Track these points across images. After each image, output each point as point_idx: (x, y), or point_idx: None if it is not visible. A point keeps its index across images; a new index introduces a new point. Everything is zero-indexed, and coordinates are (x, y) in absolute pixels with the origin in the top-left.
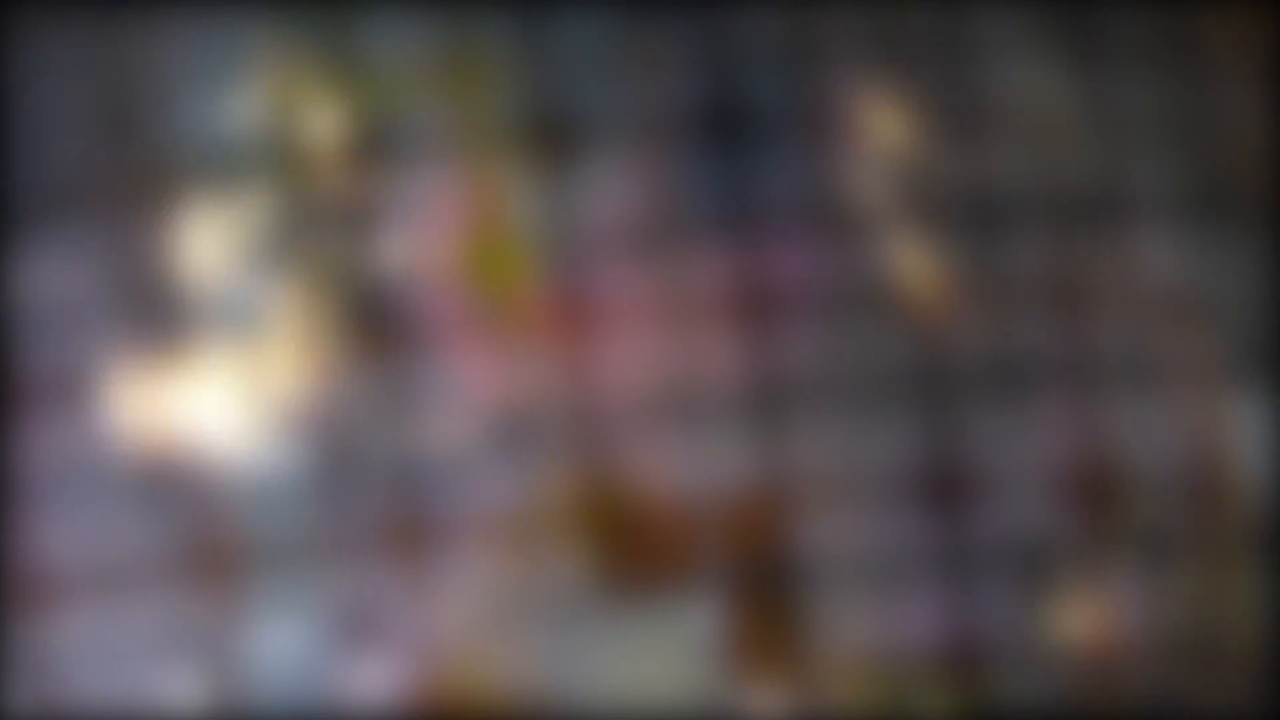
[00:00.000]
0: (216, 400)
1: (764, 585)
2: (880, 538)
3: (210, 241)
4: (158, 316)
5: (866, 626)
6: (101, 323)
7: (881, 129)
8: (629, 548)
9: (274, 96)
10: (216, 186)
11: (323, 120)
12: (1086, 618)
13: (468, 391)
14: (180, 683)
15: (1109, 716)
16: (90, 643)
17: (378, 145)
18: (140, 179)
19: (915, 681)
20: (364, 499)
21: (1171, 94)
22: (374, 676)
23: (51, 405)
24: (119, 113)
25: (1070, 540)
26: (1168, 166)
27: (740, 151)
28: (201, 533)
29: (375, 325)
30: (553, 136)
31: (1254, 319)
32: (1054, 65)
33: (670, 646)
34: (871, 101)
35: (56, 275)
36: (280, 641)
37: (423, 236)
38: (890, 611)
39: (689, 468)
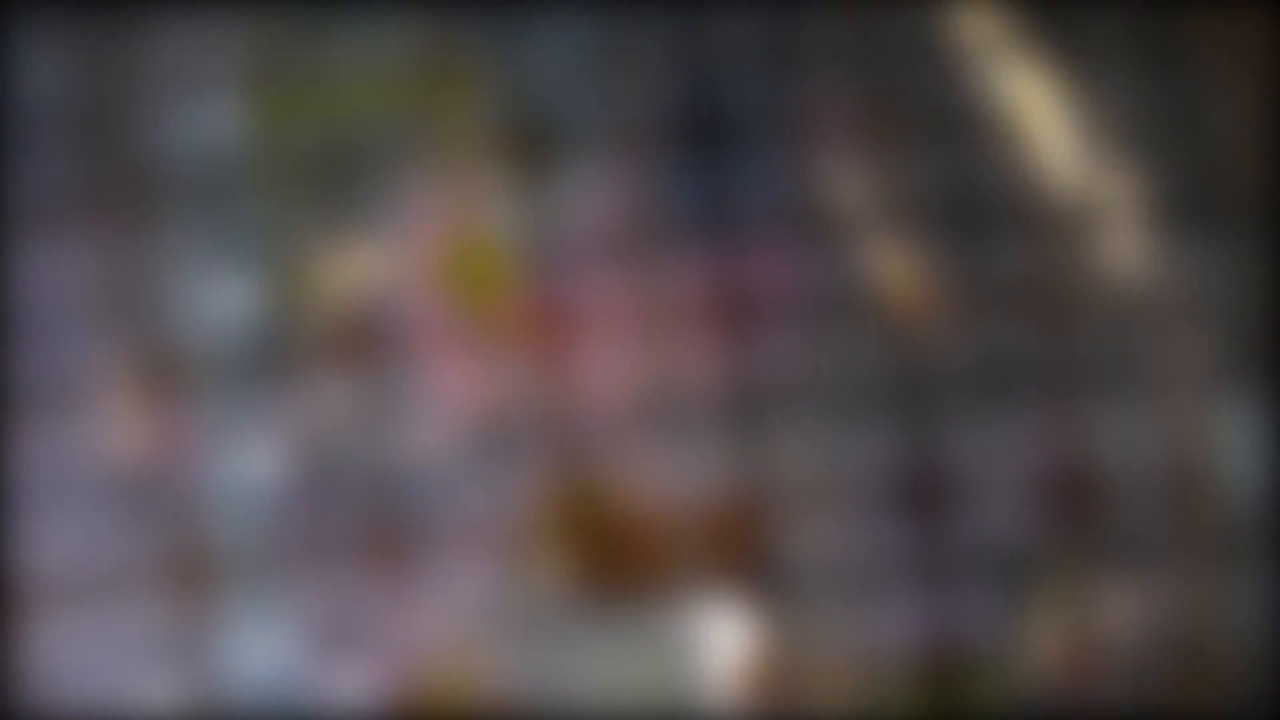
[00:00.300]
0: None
1: (744, 591)
2: (860, 543)
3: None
4: (144, 326)
5: (846, 632)
6: (89, 331)
7: (861, 134)
8: (609, 554)
9: (254, 105)
10: (201, 195)
11: (302, 128)
12: (1066, 623)
13: (448, 399)
14: (161, 689)
15: None
16: (72, 649)
17: (357, 153)
18: (127, 188)
19: (895, 687)
20: (344, 507)
21: (1158, 97)
22: (353, 684)
23: (39, 413)
24: (110, 120)
25: (1050, 546)
26: (1154, 169)
27: (719, 158)
28: (184, 540)
29: (355, 333)
30: (532, 143)
31: (1242, 322)
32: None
33: (650, 653)
34: (850, 107)
35: (46, 283)
36: (261, 649)
37: (402, 244)
38: (870, 617)
39: (669, 474)
